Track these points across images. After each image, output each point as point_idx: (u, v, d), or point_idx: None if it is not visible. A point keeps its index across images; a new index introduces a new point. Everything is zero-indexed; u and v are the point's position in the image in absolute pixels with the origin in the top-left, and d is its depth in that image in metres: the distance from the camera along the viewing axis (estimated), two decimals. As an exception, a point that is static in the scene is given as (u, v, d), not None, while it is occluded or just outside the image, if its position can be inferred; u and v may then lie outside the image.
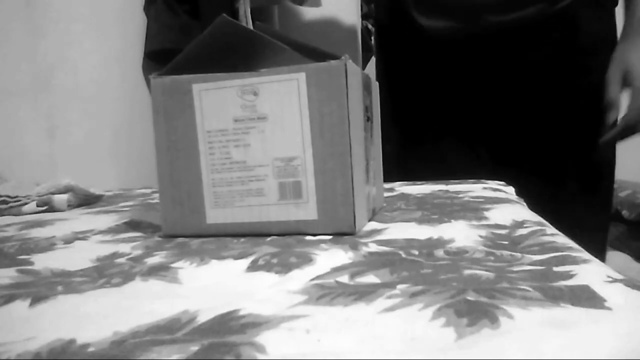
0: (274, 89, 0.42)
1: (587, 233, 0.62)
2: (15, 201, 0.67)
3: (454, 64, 0.96)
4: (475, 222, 0.45)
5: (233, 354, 0.20)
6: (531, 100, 0.94)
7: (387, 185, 0.74)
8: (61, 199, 0.69)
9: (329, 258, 0.34)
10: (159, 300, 0.28)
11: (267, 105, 0.42)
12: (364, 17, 1.34)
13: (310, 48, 0.47)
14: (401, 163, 0.98)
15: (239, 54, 0.43)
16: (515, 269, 0.30)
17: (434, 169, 0.90)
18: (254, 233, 0.43)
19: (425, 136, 1.01)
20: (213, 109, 0.43)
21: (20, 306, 0.27)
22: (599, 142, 0.90)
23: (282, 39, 0.45)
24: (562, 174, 0.95)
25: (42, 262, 0.37)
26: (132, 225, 0.53)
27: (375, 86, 0.56)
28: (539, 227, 0.41)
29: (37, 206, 0.67)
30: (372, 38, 1.31)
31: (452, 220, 0.46)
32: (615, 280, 0.26)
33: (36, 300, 0.28)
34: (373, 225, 0.46)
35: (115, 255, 0.39)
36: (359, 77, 0.46)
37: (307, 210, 0.42)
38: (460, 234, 0.40)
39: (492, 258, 0.33)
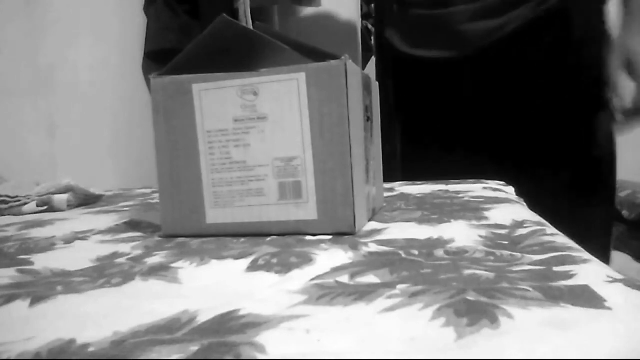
0: (274, 89, 0.42)
1: (589, 232, 0.62)
2: (15, 201, 0.67)
3: (449, 79, 0.97)
4: (475, 222, 0.45)
5: (233, 354, 0.20)
6: (530, 100, 0.94)
7: (387, 185, 0.74)
8: (61, 199, 0.69)
9: (329, 258, 0.34)
10: (159, 300, 0.28)
11: (267, 105, 0.42)
12: (364, 17, 1.34)
13: (310, 48, 0.47)
14: (404, 163, 0.98)
15: (239, 54, 0.43)
16: (515, 269, 0.30)
17: (434, 169, 0.90)
18: (254, 233, 0.43)
19: (426, 136, 1.01)
20: (213, 109, 0.43)
21: (20, 306, 0.27)
22: (597, 137, 0.90)
23: (282, 39, 0.45)
24: (562, 172, 0.94)
25: (42, 262, 0.37)
26: (132, 225, 0.53)
27: (375, 86, 0.56)
28: (539, 227, 0.41)
29: (37, 206, 0.67)
30: (372, 38, 1.31)
31: (452, 220, 0.46)
32: (615, 280, 0.26)
33: (36, 300, 0.28)
34: (373, 225, 0.46)
35: (115, 255, 0.39)
36: (359, 77, 0.46)
37: (307, 210, 0.42)
38: (460, 234, 0.40)
39: (492, 258, 0.33)
